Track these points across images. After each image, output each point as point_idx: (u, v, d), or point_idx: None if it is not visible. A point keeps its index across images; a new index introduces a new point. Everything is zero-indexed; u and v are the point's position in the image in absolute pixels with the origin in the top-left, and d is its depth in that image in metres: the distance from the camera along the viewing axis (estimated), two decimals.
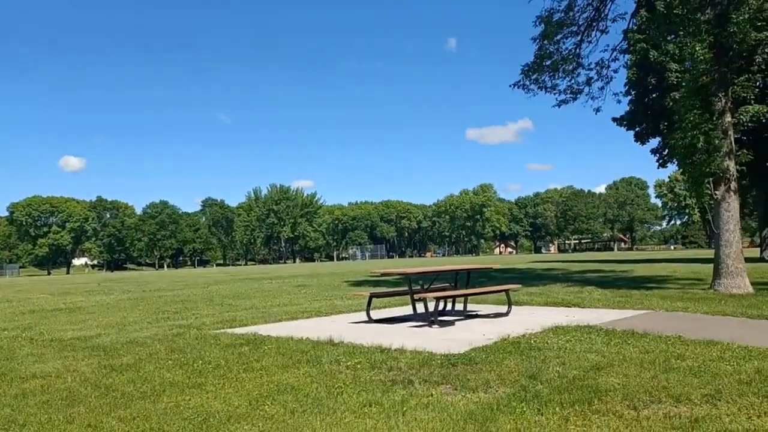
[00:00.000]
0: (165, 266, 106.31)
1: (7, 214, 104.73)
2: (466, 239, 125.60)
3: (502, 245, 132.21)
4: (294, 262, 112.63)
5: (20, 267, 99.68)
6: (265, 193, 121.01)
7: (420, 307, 9.07)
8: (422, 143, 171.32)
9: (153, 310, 12.24)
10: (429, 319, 8.29)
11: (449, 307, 9.96)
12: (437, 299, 8.29)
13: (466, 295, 9.09)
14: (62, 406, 4.51)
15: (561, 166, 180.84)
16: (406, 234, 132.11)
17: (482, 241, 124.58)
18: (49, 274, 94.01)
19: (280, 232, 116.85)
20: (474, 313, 9.53)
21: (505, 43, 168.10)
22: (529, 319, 8.50)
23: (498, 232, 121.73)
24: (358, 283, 19.77)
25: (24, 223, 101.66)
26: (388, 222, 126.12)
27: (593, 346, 6.07)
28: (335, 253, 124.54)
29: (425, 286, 9.26)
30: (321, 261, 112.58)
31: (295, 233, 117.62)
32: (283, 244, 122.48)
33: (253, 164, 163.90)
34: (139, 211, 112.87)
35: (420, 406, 4.14)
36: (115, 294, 19.05)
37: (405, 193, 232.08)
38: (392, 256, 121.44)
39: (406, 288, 9.34)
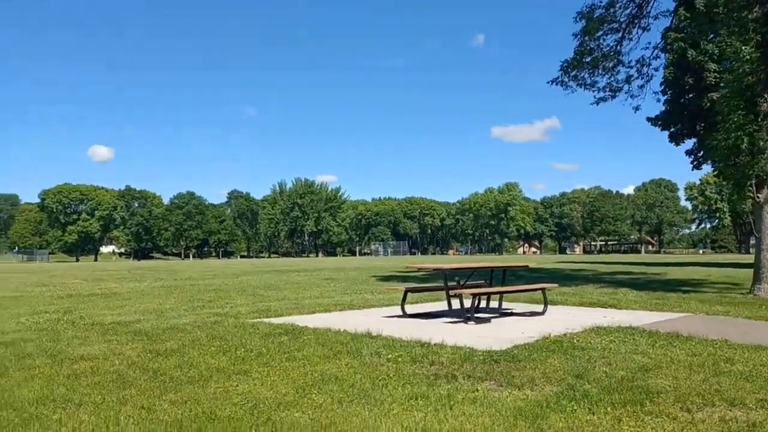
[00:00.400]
0: (191, 256, 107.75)
1: (38, 200, 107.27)
2: (489, 238, 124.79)
3: (526, 245, 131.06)
4: (317, 256, 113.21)
5: (49, 253, 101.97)
6: (289, 187, 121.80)
7: (455, 303, 9.04)
8: (447, 140, 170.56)
9: (188, 298, 12.42)
10: (465, 315, 8.25)
11: (483, 304, 9.91)
12: (474, 296, 8.25)
13: (502, 293, 9.04)
14: (114, 388, 4.60)
15: (587, 166, 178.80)
16: (429, 231, 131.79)
17: (506, 240, 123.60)
18: (77, 260, 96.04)
19: (303, 225, 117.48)
20: (509, 311, 9.47)
21: (534, 41, 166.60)
22: (566, 318, 8.42)
23: (522, 231, 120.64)
24: (386, 278, 19.80)
25: (54, 210, 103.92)
26: (411, 218, 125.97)
27: (638, 347, 5.98)
28: (357, 248, 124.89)
29: (460, 283, 9.22)
30: (343, 255, 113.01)
31: (319, 227, 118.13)
32: (306, 238, 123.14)
33: (278, 158, 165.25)
34: (166, 201, 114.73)
35: (467, 401, 4.12)
36: (148, 281, 19.39)
37: (429, 190, 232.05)
38: (414, 253, 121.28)
39: (440, 283, 9.31)
